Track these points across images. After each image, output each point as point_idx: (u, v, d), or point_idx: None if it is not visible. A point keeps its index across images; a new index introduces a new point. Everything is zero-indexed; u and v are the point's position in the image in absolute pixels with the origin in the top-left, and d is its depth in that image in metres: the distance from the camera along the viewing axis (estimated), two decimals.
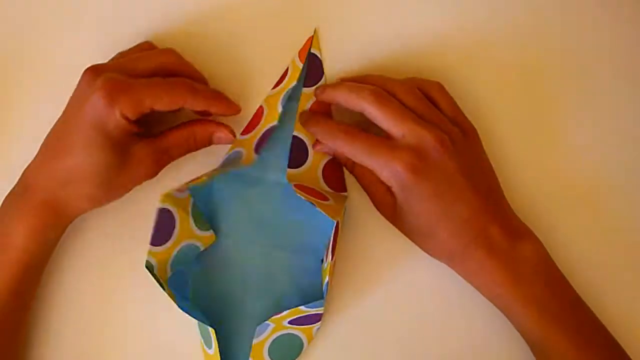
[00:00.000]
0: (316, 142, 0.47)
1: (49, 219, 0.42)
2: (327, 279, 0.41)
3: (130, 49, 0.46)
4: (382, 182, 0.43)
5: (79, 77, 0.43)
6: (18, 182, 0.44)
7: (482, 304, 0.44)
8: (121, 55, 0.45)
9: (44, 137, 0.44)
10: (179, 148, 0.44)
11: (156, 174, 0.44)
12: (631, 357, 0.42)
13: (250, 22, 0.49)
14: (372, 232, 0.47)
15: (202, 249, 0.46)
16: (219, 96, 0.44)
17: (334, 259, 0.42)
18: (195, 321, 0.44)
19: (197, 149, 0.46)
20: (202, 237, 0.46)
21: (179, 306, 0.41)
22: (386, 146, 0.42)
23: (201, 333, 0.45)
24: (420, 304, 0.46)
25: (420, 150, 0.41)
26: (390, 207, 0.44)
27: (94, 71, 0.42)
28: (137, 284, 0.46)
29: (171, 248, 0.43)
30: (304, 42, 0.48)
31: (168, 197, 0.42)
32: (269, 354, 0.45)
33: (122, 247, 0.47)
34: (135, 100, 0.40)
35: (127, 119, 0.41)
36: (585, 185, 0.47)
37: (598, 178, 0.47)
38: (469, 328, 0.46)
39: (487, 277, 0.42)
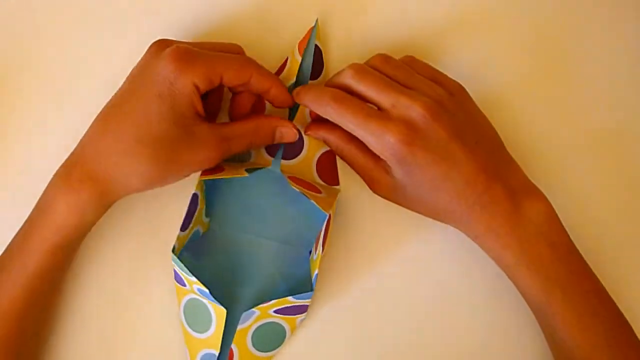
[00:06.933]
0: (308, 126, 0.46)
1: (92, 196, 0.40)
2: (316, 271, 0.42)
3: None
4: (376, 163, 0.43)
5: (83, 79, 0.45)
6: (70, 155, 0.42)
7: (476, 298, 0.46)
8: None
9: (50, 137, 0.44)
10: (242, 139, 0.43)
11: (216, 161, 0.43)
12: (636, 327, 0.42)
13: (253, 11, 0.49)
14: (362, 226, 0.47)
15: (201, 234, 0.46)
16: (278, 78, 0.44)
17: (324, 252, 0.43)
18: (178, 307, 0.45)
19: (258, 145, 0.45)
20: (205, 223, 0.46)
21: (207, 288, 0.41)
22: (378, 117, 0.41)
23: (188, 317, 0.45)
24: (406, 300, 0.47)
25: (410, 122, 0.41)
26: (387, 186, 0.44)
27: (162, 43, 0.41)
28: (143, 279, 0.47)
29: (188, 233, 0.44)
30: (305, 32, 0.48)
31: (200, 182, 0.42)
32: (252, 341, 0.45)
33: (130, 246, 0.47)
34: (208, 66, 0.40)
35: (197, 88, 0.40)
36: (598, 140, 0.48)
37: (616, 134, 0.48)
38: (460, 327, 0.46)
39: (492, 239, 0.42)
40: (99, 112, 0.43)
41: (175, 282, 0.45)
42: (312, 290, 0.42)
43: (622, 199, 0.48)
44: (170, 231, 0.46)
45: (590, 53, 0.50)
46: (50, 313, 0.45)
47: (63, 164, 0.42)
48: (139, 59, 0.44)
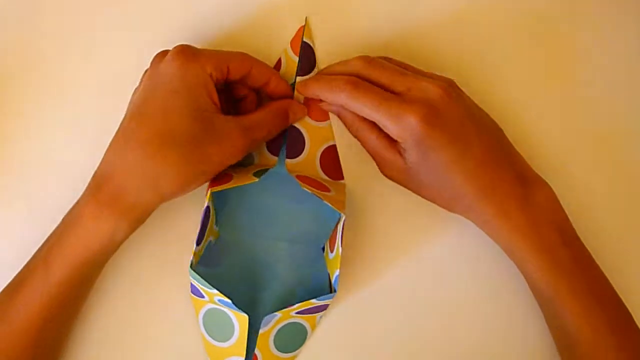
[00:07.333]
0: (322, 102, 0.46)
1: (122, 215, 0.40)
2: (337, 271, 0.42)
3: None
4: (389, 145, 0.43)
5: (83, 82, 0.46)
6: (96, 171, 0.42)
7: (486, 295, 0.46)
8: None
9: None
10: (263, 126, 0.43)
11: (243, 152, 0.42)
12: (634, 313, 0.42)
13: (244, 12, 0.49)
14: (370, 220, 0.48)
15: (212, 243, 0.46)
16: (275, 70, 0.45)
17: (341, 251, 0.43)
18: (197, 318, 0.45)
19: (276, 130, 0.45)
20: (215, 232, 0.46)
21: (230, 299, 0.41)
22: (395, 100, 0.41)
23: (208, 328, 0.45)
24: (420, 292, 0.47)
25: (428, 101, 0.41)
26: (399, 168, 0.44)
27: (163, 53, 0.42)
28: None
29: (203, 246, 0.44)
30: (295, 31, 0.48)
31: (210, 194, 0.42)
32: (275, 343, 0.45)
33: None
34: (213, 55, 0.40)
35: (210, 76, 0.40)
36: (600, 134, 0.49)
37: (613, 127, 0.49)
38: (473, 322, 0.47)
39: (502, 221, 0.42)
40: (98, 114, 0.44)
41: (191, 294, 0.45)
42: (335, 291, 0.42)
43: (622, 198, 0.48)
44: (184, 244, 0.46)
45: (590, 51, 0.49)
46: (70, 326, 0.44)
47: (91, 180, 0.42)
48: (138, 59, 0.44)
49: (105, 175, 0.41)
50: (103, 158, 0.42)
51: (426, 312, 0.47)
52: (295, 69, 0.47)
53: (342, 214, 0.42)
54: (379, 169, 0.45)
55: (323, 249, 0.47)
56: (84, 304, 0.45)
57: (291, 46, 0.47)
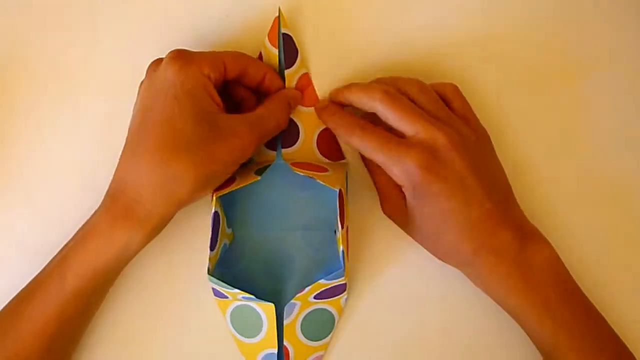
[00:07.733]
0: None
1: (134, 226, 0.41)
2: (341, 247, 0.42)
3: None
4: (394, 184, 0.43)
5: (84, 83, 0.47)
6: (110, 184, 0.43)
7: None
8: None
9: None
10: (270, 119, 0.44)
11: (253, 147, 0.42)
12: None
13: (214, 11, 0.49)
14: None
15: (228, 246, 0.46)
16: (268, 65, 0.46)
17: (345, 227, 0.42)
18: (224, 320, 0.46)
19: (284, 120, 0.45)
20: (228, 234, 0.47)
21: (256, 296, 0.42)
22: (398, 142, 0.41)
23: (236, 326, 0.45)
24: (444, 267, 0.45)
25: (432, 148, 0.40)
26: (399, 209, 0.43)
27: (157, 60, 0.43)
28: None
29: (217, 250, 0.44)
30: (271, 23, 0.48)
31: (216, 199, 0.43)
32: (302, 332, 0.45)
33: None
34: (209, 56, 0.41)
35: (209, 78, 0.41)
36: (601, 185, 0.47)
37: (614, 177, 0.47)
38: (483, 302, 0.45)
39: (497, 283, 0.42)
40: (99, 114, 0.45)
41: (215, 298, 0.46)
42: (341, 268, 0.42)
43: (622, 246, 0.47)
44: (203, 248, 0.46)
45: (597, 99, 0.48)
46: (83, 333, 0.45)
47: (105, 195, 0.43)
48: (137, 60, 0.45)
49: (119, 189, 0.42)
50: (115, 173, 0.43)
51: (451, 290, 0.46)
52: (277, 61, 0.47)
53: (335, 189, 0.42)
54: (381, 205, 0.45)
55: (335, 232, 0.47)
56: (100, 312, 0.46)
57: (269, 39, 0.47)
